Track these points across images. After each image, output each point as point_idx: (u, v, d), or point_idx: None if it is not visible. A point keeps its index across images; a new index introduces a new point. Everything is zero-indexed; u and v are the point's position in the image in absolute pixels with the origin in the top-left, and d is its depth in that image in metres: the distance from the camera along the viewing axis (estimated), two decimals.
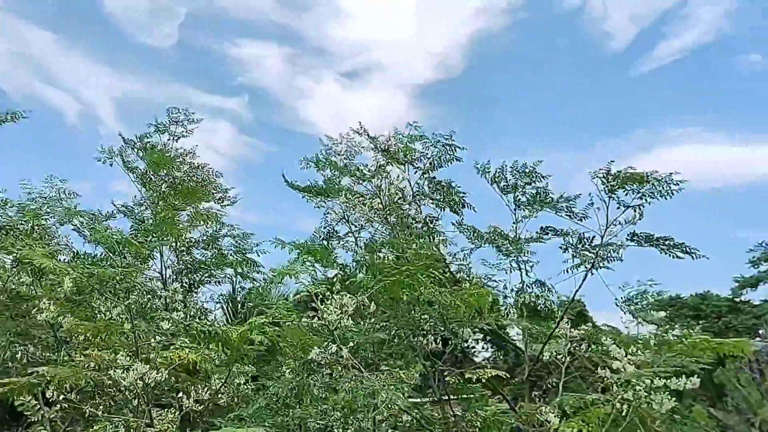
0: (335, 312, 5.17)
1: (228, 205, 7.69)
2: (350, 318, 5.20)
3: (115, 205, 7.49)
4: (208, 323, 6.31)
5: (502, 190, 7.00)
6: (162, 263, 7.16)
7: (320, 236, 7.40)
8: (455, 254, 7.11)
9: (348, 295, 5.24)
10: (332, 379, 5.35)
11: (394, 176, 7.26)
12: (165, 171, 7.43)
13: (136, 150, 7.80)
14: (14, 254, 5.60)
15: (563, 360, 6.26)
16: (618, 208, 6.29)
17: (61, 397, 5.75)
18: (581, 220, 6.54)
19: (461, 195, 7.07)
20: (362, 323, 5.80)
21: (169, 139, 7.88)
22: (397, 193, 7.13)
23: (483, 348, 21.66)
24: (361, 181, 7.41)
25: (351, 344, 5.28)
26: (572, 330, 6.30)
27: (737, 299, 36.98)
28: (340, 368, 5.17)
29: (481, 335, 7.25)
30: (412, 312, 6.11)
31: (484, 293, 6.16)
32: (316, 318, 5.31)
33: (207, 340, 5.72)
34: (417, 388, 6.77)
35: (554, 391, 6.33)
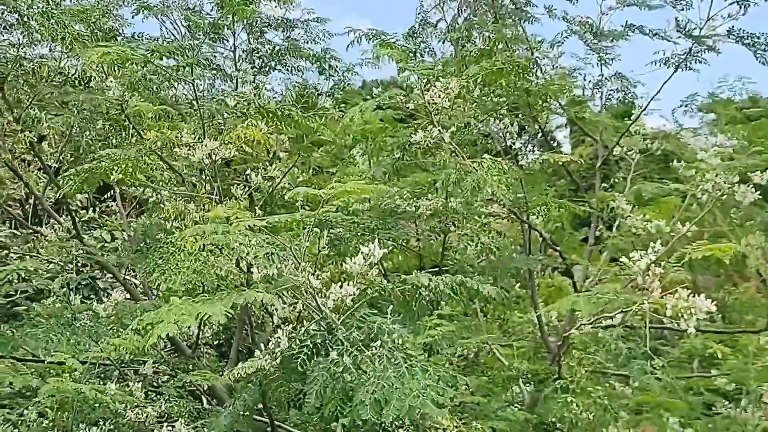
0: (437, 95, 4.99)
1: None
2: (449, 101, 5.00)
3: None
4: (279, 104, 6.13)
5: None
6: (234, 43, 6.76)
7: (416, 24, 7.09)
8: (541, 42, 6.73)
9: (454, 79, 5.03)
10: (433, 165, 5.26)
11: None
12: None
13: None
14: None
15: (633, 156, 6.17)
16: None
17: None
18: (683, 9, 6.13)
19: None
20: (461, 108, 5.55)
21: None
22: None
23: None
24: None
25: (452, 129, 5.07)
26: (650, 127, 6.12)
27: None
28: (442, 153, 5.07)
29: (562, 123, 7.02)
30: (490, 97, 5.89)
31: (564, 84, 5.92)
32: (411, 102, 5.11)
33: (276, 120, 5.57)
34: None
35: (622, 185, 6.24)
